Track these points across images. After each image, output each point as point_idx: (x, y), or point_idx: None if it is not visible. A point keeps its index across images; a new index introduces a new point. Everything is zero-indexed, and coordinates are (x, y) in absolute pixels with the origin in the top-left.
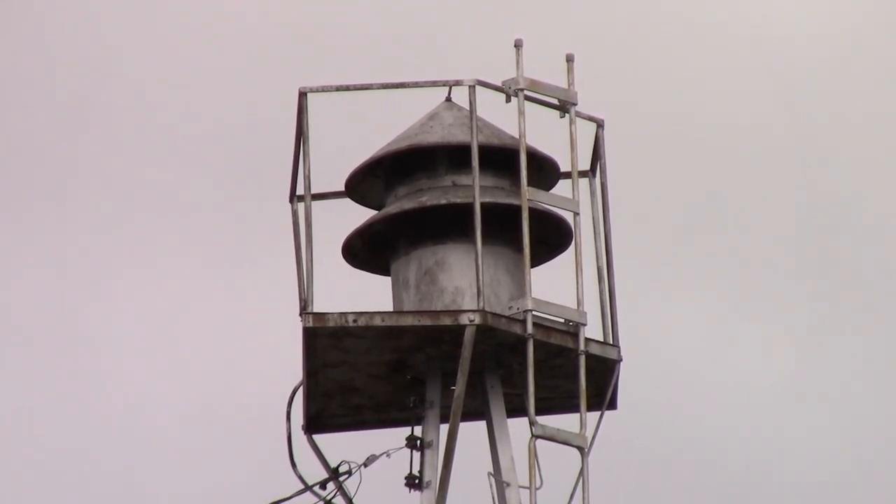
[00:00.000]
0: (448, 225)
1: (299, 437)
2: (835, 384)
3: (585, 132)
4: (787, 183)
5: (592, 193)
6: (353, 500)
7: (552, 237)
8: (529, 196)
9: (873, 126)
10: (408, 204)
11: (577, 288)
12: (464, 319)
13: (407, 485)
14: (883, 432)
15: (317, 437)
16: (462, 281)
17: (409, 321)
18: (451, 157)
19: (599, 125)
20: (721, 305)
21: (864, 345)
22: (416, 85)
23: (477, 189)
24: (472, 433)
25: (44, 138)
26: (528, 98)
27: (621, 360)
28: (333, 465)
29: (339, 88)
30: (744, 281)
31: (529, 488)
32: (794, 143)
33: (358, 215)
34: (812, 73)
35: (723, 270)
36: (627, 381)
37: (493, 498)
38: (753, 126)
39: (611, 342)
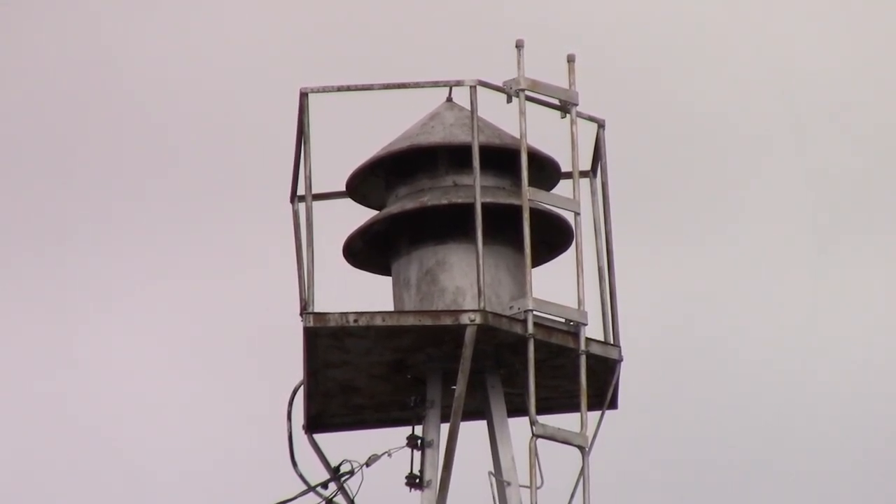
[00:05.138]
0: (449, 225)
1: (300, 436)
2: None
3: (586, 132)
4: (789, 181)
5: (593, 193)
6: (355, 500)
7: (553, 237)
8: (530, 196)
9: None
10: (409, 204)
11: (578, 288)
12: (464, 319)
13: (408, 484)
14: None
15: (317, 437)
16: (463, 281)
17: (409, 321)
18: (452, 157)
19: (600, 125)
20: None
21: None
22: (417, 85)
23: (478, 189)
24: (473, 433)
25: (44, 138)
26: (529, 98)
27: (622, 359)
28: (334, 464)
29: (339, 89)
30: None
31: (530, 488)
32: (795, 143)
33: (359, 215)
34: (814, 74)
35: None
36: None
37: (494, 497)
38: (754, 126)
39: (611, 342)
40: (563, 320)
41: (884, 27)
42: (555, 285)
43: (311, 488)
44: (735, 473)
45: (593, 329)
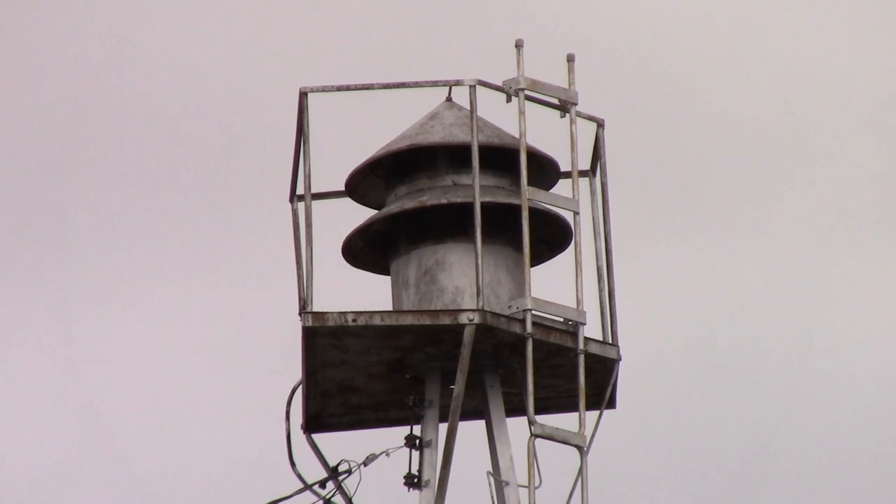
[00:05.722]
0: (448, 224)
1: (299, 436)
2: None
3: (586, 132)
4: (788, 181)
5: (592, 193)
6: (353, 500)
7: (552, 237)
8: (529, 195)
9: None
10: (408, 203)
11: (577, 287)
12: (463, 319)
13: (406, 484)
14: None
15: (316, 437)
16: (462, 280)
17: (408, 320)
18: (452, 156)
19: (600, 125)
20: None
21: None
22: (417, 85)
23: (477, 188)
24: (472, 432)
25: (46, 139)
26: (528, 98)
27: (620, 359)
28: (332, 464)
29: (339, 88)
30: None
31: (528, 487)
32: (794, 141)
33: (358, 215)
34: (813, 73)
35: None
36: None
37: (493, 497)
38: (754, 125)
39: (610, 341)
40: (561, 320)
41: (886, 26)
42: (554, 285)
43: (307, 486)
44: (733, 473)
45: (592, 328)
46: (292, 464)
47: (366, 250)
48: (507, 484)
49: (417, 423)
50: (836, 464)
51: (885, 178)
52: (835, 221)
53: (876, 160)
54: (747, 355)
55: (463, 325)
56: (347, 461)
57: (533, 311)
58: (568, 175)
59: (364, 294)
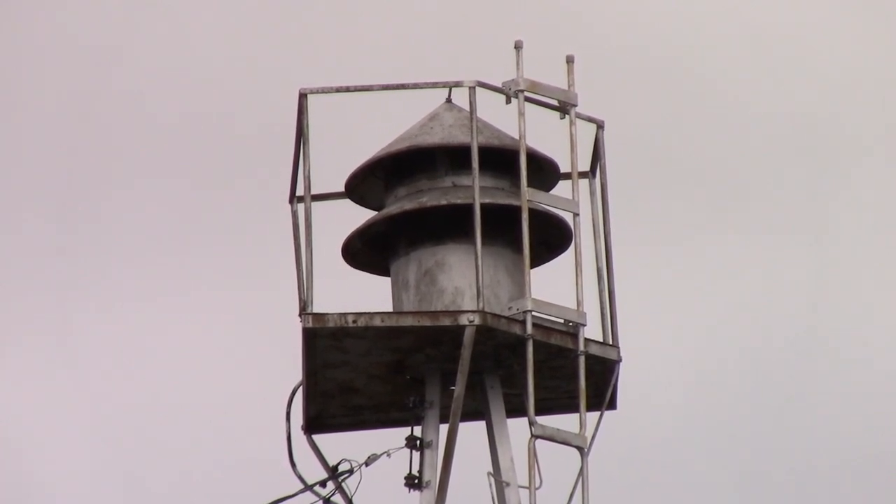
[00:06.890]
0: (448, 225)
1: (299, 437)
2: None
3: (585, 133)
4: (790, 181)
5: (592, 194)
6: (353, 500)
7: (552, 238)
8: (529, 197)
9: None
10: (408, 204)
11: (577, 288)
12: (463, 320)
13: (406, 485)
14: None
15: (316, 438)
16: (462, 281)
17: (408, 322)
18: (452, 157)
19: (599, 126)
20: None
21: None
22: (417, 86)
23: (477, 190)
24: (472, 433)
25: (46, 137)
26: (528, 99)
27: (621, 360)
28: (332, 463)
29: (339, 89)
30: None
31: (529, 488)
32: (795, 142)
33: (358, 216)
34: (813, 72)
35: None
36: None
37: (493, 498)
38: (755, 124)
39: (610, 343)
40: (561, 321)
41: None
42: (554, 286)
43: (308, 487)
44: (733, 473)
45: (592, 330)
46: (293, 465)
47: (365, 251)
48: (507, 485)
49: (418, 423)
50: (837, 465)
51: (888, 176)
52: (837, 221)
53: (881, 159)
54: (748, 356)
55: (463, 327)
56: (348, 460)
57: (533, 313)
58: (568, 176)
59: (364, 295)
